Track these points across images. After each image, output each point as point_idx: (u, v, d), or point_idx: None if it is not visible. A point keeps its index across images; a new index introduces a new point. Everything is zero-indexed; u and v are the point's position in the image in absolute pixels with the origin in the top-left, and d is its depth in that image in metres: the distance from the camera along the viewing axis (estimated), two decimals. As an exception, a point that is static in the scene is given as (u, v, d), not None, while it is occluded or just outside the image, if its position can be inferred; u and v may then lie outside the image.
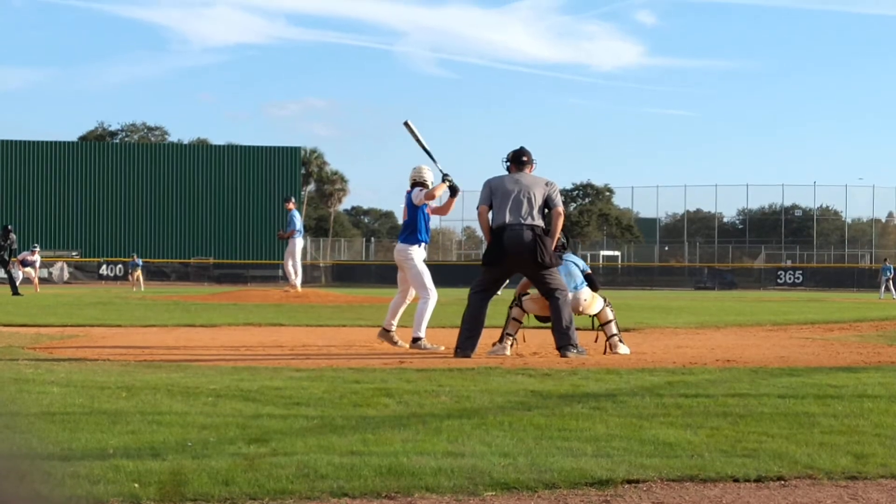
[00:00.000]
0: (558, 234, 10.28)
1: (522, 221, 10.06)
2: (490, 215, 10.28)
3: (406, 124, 11.19)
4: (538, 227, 10.11)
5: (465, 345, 10.07)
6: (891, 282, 43.00)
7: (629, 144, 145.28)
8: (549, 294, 10.14)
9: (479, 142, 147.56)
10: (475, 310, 10.25)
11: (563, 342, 10.02)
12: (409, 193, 11.19)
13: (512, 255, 10.13)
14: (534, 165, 10.50)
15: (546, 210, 10.27)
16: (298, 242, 23.95)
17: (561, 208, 10.26)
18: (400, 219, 10.79)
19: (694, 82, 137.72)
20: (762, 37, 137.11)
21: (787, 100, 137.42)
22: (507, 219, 10.10)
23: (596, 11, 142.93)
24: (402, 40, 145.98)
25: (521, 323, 10.53)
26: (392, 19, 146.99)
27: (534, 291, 10.58)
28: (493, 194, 10.26)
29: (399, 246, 11.32)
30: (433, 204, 11.36)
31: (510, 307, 10.58)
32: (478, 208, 10.43)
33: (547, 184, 10.28)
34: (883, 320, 18.28)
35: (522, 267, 10.28)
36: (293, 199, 24.84)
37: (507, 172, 10.44)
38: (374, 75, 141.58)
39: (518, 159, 10.42)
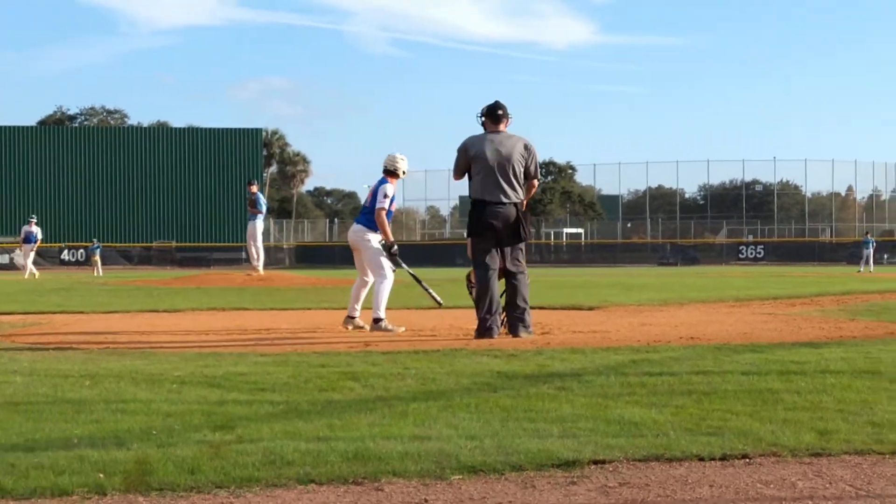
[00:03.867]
0: (527, 200, 10.16)
1: (505, 199, 9.88)
2: (469, 184, 10.08)
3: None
4: (520, 203, 10.01)
5: (490, 325, 9.78)
6: (871, 255, 43.42)
7: (590, 122, 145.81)
8: (512, 275, 10.03)
9: (432, 121, 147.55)
10: (486, 287, 9.90)
11: (515, 322, 9.94)
12: (380, 182, 11.11)
13: (496, 229, 9.93)
14: (510, 120, 10.12)
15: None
16: (259, 225, 24.07)
17: (538, 180, 10.29)
18: (362, 199, 10.74)
19: (649, 59, 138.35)
20: (715, 12, 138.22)
21: (744, 75, 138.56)
22: (491, 195, 9.88)
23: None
24: (352, 19, 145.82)
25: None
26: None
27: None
28: (472, 161, 9.95)
29: (356, 227, 11.28)
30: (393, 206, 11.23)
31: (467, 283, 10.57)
32: (453, 174, 10.27)
33: (526, 147, 9.99)
34: (844, 294, 18.47)
35: (503, 239, 10.01)
36: (256, 182, 25.04)
37: (482, 130, 10.11)
38: (327, 55, 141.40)
39: (494, 113, 10.03)
